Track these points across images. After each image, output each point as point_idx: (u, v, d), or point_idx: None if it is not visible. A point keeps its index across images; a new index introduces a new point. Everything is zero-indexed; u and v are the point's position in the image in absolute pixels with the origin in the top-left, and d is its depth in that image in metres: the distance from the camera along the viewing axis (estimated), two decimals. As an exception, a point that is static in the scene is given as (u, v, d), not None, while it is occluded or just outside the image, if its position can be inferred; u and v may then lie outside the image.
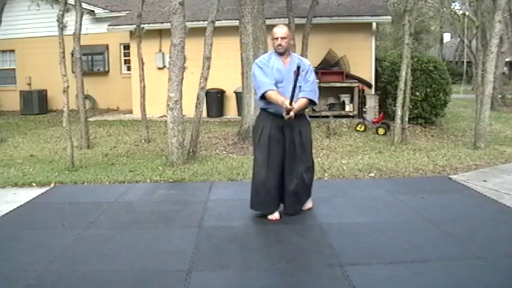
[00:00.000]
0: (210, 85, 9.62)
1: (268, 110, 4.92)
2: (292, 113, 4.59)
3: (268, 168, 4.90)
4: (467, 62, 30.59)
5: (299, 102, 4.74)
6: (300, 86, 4.73)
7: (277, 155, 4.91)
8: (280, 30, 4.85)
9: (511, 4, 16.39)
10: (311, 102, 4.92)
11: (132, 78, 14.52)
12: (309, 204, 5.33)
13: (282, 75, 4.85)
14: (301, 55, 10.93)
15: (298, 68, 4.50)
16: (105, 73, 17.62)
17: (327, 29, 13.01)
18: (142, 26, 10.73)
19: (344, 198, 5.85)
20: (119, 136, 11.36)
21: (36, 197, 6.14)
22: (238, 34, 9.90)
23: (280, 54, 4.91)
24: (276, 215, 5.03)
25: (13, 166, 8.11)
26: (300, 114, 4.85)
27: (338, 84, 12.88)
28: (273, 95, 4.73)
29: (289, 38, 4.88)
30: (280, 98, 4.65)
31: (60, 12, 8.34)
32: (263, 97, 4.84)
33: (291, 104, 4.55)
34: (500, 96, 17.91)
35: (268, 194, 4.97)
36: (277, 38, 4.85)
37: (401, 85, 9.72)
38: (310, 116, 12.28)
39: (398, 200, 5.70)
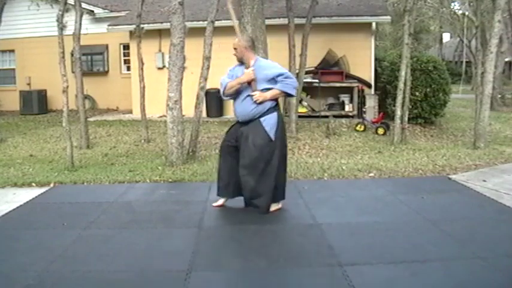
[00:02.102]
0: (209, 85, 9.61)
1: None
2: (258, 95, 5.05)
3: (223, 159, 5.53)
4: (467, 61, 30.66)
5: (270, 92, 5.09)
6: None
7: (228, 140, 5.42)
8: (234, 42, 5.20)
9: (511, 4, 16.40)
10: (286, 94, 5.26)
11: (132, 78, 14.50)
12: (274, 206, 5.33)
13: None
14: (301, 55, 10.94)
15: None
16: (105, 73, 17.61)
17: (327, 29, 13.00)
18: (142, 26, 10.73)
19: (344, 198, 5.85)
20: (119, 136, 11.36)
21: (36, 197, 6.14)
22: (238, 34, 9.89)
23: (241, 62, 5.23)
24: (218, 202, 5.53)
25: (13, 166, 8.11)
26: (253, 121, 5.12)
27: (338, 84, 12.89)
28: (229, 82, 5.22)
29: (240, 48, 5.16)
30: (235, 80, 5.16)
31: (60, 12, 8.35)
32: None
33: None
34: (499, 96, 17.91)
35: (221, 180, 5.48)
36: (235, 49, 5.22)
37: (401, 85, 9.72)
38: (310, 116, 12.43)
39: (398, 200, 5.70)
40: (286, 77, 5.08)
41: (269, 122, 5.07)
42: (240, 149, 5.20)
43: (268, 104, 5.07)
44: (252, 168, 5.09)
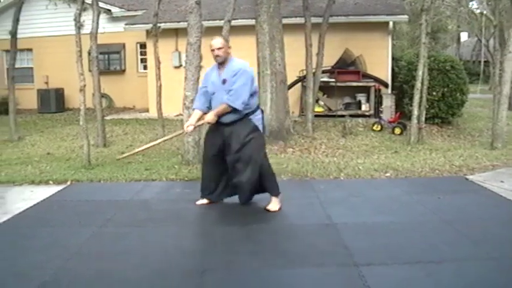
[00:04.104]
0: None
1: None
2: (210, 119, 5.12)
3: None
4: (485, 61, 30.33)
5: (217, 108, 5.11)
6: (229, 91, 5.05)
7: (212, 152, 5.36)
8: (216, 42, 5.15)
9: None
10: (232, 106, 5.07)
11: (149, 77, 14.56)
12: (272, 206, 5.31)
13: (214, 87, 5.23)
14: (317, 54, 10.91)
15: (224, 80, 5.09)
16: (122, 72, 17.72)
17: (344, 28, 12.95)
18: (158, 25, 10.76)
19: (360, 198, 5.83)
20: (135, 135, 11.42)
21: (53, 194, 6.20)
22: (255, 33, 9.89)
23: (220, 64, 5.21)
24: (203, 201, 5.52)
25: (30, 164, 8.19)
26: (241, 120, 5.12)
27: (354, 84, 12.85)
28: (193, 114, 5.39)
29: (226, 47, 5.16)
30: (191, 119, 5.35)
31: (77, 12, 8.41)
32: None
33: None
34: (517, 96, 17.67)
35: (204, 180, 5.49)
36: (213, 50, 5.14)
37: (418, 85, 9.65)
38: (327, 116, 12.38)
39: (414, 200, 5.66)
40: (237, 87, 5.01)
41: (257, 118, 5.23)
42: (230, 149, 5.16)
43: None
44: (251, 164, 5.15)
